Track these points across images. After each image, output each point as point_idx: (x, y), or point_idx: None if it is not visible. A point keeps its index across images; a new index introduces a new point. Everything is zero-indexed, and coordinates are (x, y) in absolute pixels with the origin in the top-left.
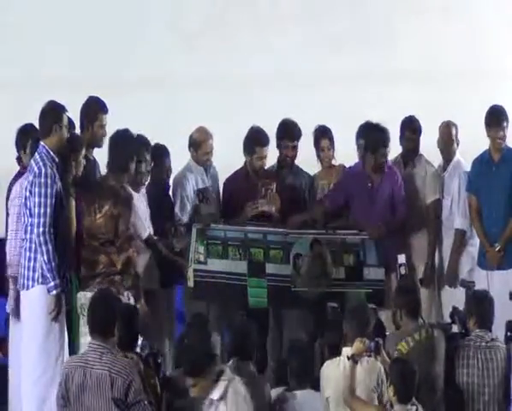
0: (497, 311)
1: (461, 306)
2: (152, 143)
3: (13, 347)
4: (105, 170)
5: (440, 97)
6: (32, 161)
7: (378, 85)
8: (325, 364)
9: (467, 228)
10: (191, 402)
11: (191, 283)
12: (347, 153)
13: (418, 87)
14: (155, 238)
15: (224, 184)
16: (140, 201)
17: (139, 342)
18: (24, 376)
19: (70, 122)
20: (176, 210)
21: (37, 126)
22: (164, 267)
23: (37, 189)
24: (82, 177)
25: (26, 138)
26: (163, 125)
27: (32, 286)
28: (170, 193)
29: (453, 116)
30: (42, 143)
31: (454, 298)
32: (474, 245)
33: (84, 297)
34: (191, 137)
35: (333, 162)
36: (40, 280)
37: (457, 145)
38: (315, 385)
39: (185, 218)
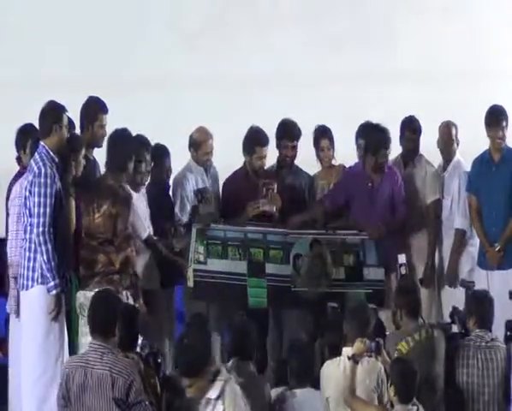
0: (497, 311)
1: (461, 306)
2: (152, 143)
3: (13, 347)
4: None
5: (440, 97)
6: (31, 161)
7: (378, 85)
8: (326, 364)
9: (467, 228)
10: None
11: (191, 283)
12: (347, 153)
13: (418, 87)
14: (155, 238)
15: (224, 185)
16: (140, 201)
17: (139, 341)
18: (24, 376)
19: (70, 122)
20: (176, 210)
21: (37, 126)
22: (164, 267)
23: (36, 189)
24: (82, 177)
25: (26, 138)
26: (163, 125)
27: (32, 286)
28: (170, 193)
29: (453, 116)
30: (42, 143)
31: (454, 298)
32: (474, 245)
33: (83, 297)
34: (191, 137)
35: (333, 162)
36: (40, 280)
37: (457, 145)
38: (315, 384)
39: (185, 218)
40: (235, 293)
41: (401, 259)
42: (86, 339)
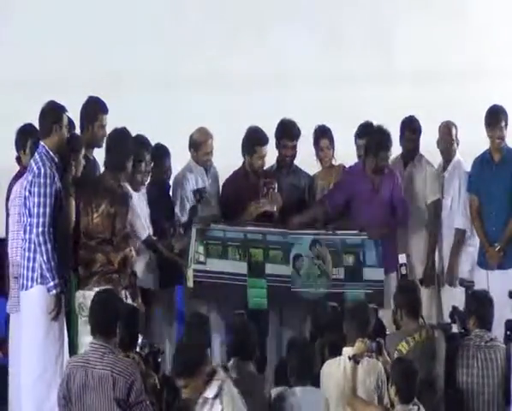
0: (497, 310)
1: (461, 306)
2: (153, 143)
3: (13, 347)
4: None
5: (440, 97)
6: (31, 161)
7: (378, 85)
8: (326, 364)
9: (467, 227)
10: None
11: (190, 284)
12: (347, 153)
13: (418, 87)
14: (154, 239)
15: (223, 185)
16: (140, 201)
17: (139, 340)
18: (24, 376)
19: (70, 122)
20: (176, 210)
21: (37, 126)
22: (164, 267)
23: (36, 189)
24: (82, 177)
25: (26, 138)
26: (163, 125)
27: (32, 286)
28: (170, 193)
29: (453, 116)
30: (42, 143)
31: (454, 298)
32: (474, 245)
33: (82, 296)
34: (191, 137)
35: (333, 162)
36: (40, 280)
37: (457, 145)
38: (315, 382)
39: (183, 219)
40: (234, 293)
41: (402, 258)
42: (85, 338)
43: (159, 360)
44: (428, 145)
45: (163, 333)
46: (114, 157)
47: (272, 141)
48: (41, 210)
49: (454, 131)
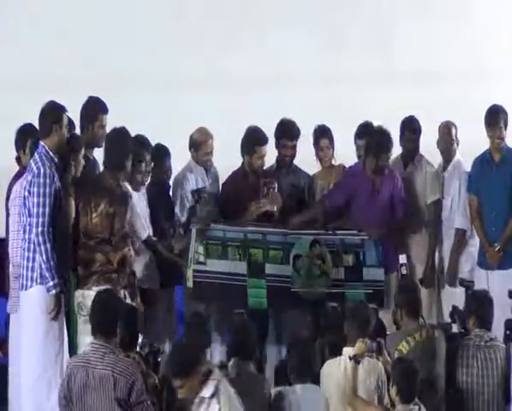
0: (497, 310)
1: (461, 306)
2: (153, 143)
3: (13, 347)
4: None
5: (440, 97)
6: (31, 161)
7: (378, 85)
8: (326, 363)
9: (467, 227)
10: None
11: (190, 284)
12: (347, 153)
13: (418, 87)
14: (154, 239)
15: (223, 186)
16: (140, 201)
17: (139, 340)
18: (24, 375)
19: (70, 122)
20: (176, 210)
21: (37, 126)
22: (164, 267)
23: (35, 189)
24: (82, 177)
25: (26, 138)
26: (163, 125)
27: (31, 286)
28: (170, 193)
29: (453, 116)
30: (41, 143)
31: (454, 298)
32: (474, 245)
33: (81, 296)
34: (191, 137)
35: (333, 162)
36: (39, 280)
37: (457, 145)
38: (315, 380)
39: (183, 219)
40: (234, 293)
41: (402, 258)
42: (84, 338)
43: (159, 359)
44: (428, 145)
45: (163, 333)
46: (113, 156)
47: (272, 141)
48: (40, 210)
49: (454, 131)
